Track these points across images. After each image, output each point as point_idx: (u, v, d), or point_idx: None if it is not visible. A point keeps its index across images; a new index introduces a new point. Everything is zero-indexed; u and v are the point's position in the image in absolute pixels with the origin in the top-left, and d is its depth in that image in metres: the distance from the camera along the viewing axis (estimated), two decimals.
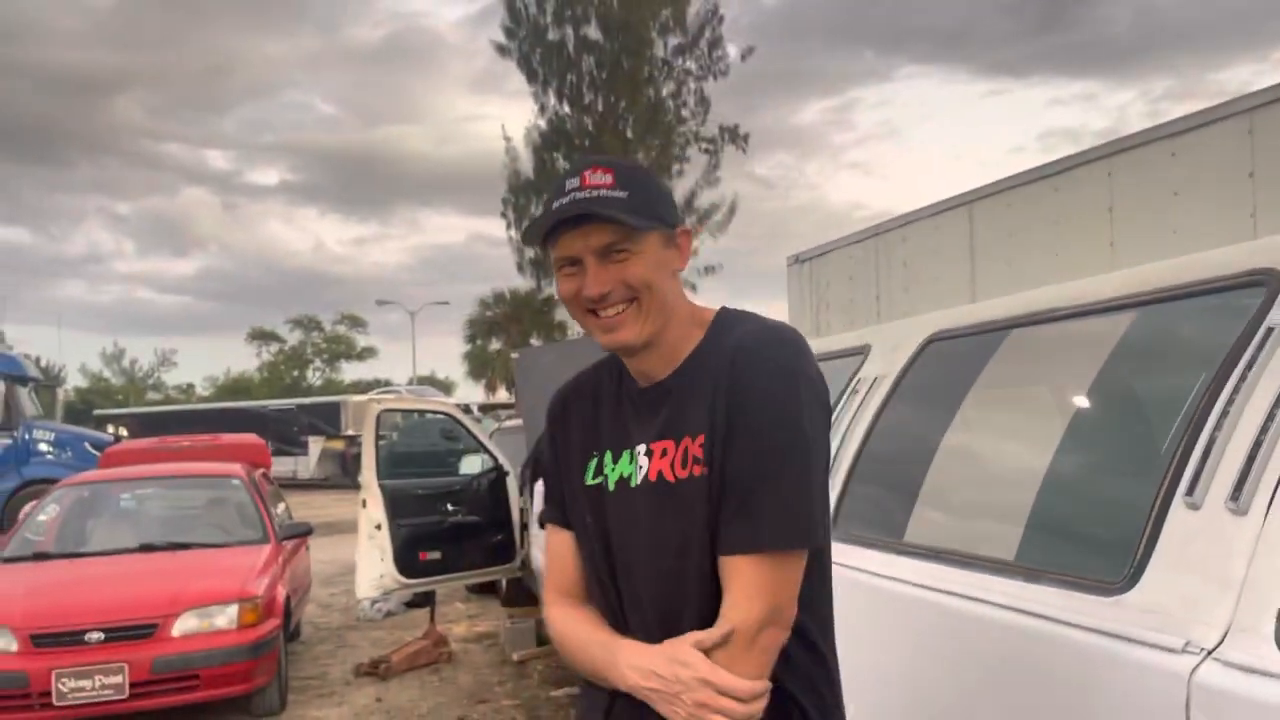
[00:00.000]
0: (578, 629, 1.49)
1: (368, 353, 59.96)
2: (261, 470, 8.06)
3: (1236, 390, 1.52)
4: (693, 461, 1.37)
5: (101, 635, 5.27)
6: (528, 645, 7.22)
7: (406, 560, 6.40)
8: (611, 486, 1.46)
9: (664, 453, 1.41)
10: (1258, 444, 1.43)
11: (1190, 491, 1.52)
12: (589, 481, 1.50)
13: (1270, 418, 1.44)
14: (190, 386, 64.84)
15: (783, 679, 1.34)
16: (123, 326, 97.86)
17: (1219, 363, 1.58)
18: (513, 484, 6.85)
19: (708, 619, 1.34)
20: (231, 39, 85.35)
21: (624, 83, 28.84)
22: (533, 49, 29.27)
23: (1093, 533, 1.84)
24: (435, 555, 6.56)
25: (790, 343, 1.40)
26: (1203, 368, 1.63)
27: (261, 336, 59.61)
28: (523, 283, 31.58)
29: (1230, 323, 1.62)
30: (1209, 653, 1.38)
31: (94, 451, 13.04)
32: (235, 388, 57.11)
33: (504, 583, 7.56)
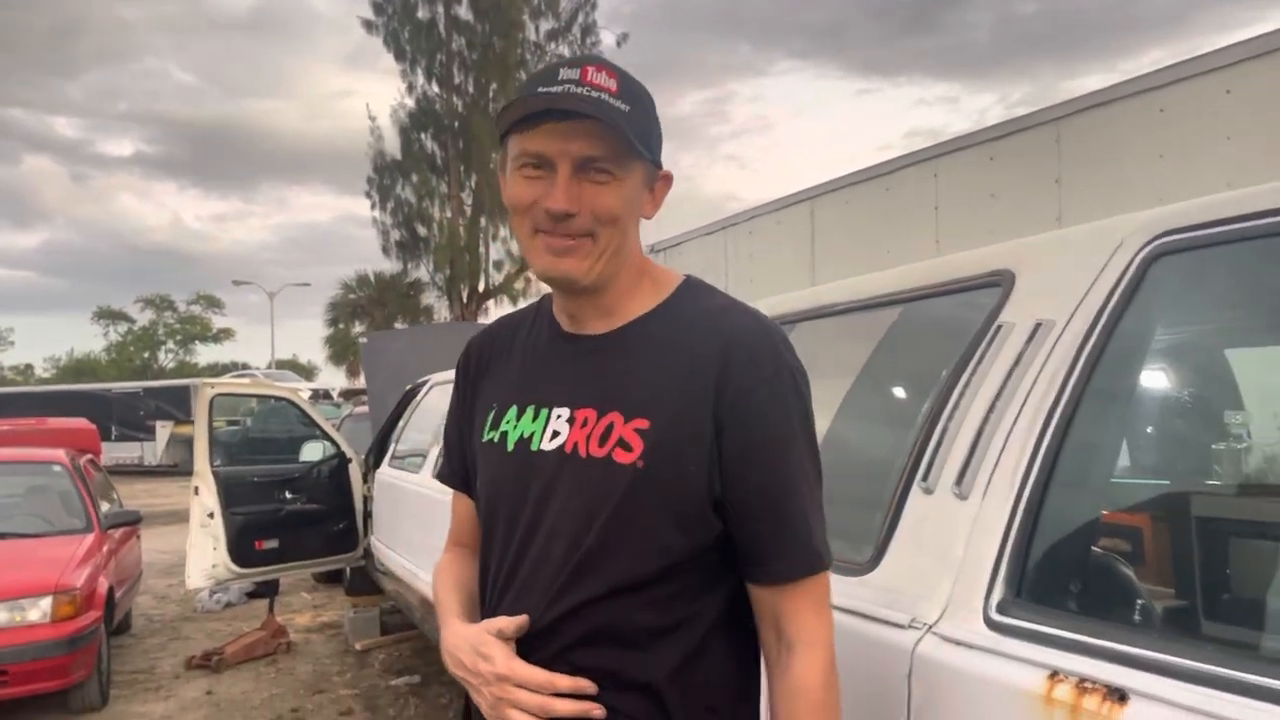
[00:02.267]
0: (438, 581, 1.42)
1: (224, 335, 57.54)
2: (89, 456, 7.67)
3: (968, 383, 1.63)
4: (617, 444, 1.19)
5: None
6: (371, 634, 7.12)
7: (241, 549, 6.21)
8: (510, 446, 1.27)
9: (585, 422, 1.22)
10: (980, 433, 1.54)
11: (925, 478, 1.62)
12: (484, 437, 1.32)
13: (991, 408, 1.55)
14: (29, 367, 60.97)
15: (663, 685, 1.21)
16: None
17: (958, 357, 1.69)
18: (356, 471, 6.72)
19: (569, 612, 1.21)
20: None
21: (495, 65, 28.51)
22: (402, 26, 28.62)
23: (852, 518, 1.95)
24: (272, 544, 6.38)
25: (778, 338, 1.24)
26: (947, 362, 1.74)
27: (109, 316, 56.47)
28: (389, 266, 30.92)
29: (972, 320, 1.74)
30: (930, 628, 1.48)
31: None
32: (79, 369, 54.05)
33: (348, 572, 7.41)
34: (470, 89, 29.15)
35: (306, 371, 47.40)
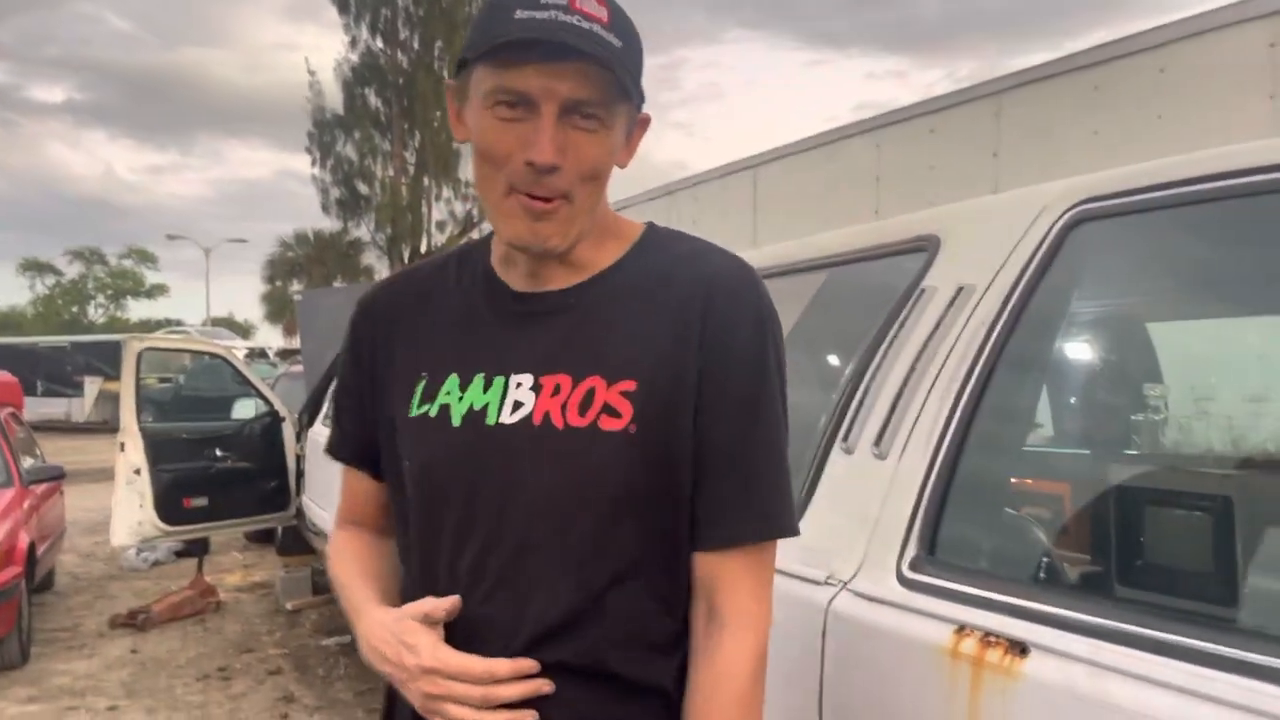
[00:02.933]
0: (342, 567, 1.24)
1: (157, 290, 56.18)
2: (10, 410, 7.45)
3: (891, 346, 1.65)
4: (603, 410, 1.05)
5: None
6: (303, 594, 7.05)
7: (169, 507, 6.09)
8: (457, 420, 1.09)
9: (556, 390, 1.07)
10: (899, 395, 1.56)
11: (846, 438, 1.64)
12: (414, 411, 1.13)
13: (911, 371, 1.57)
14: None
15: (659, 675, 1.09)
16: None
17: (881, 321, 1.71)
18: (289, 430, 6.63)
19: (576, 607, 1.05)
20: None
21: (442, 21, 27.99)
22: None
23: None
24: (201, 502, 6.28)
25: (758, 278, 1.13)
26: (872, 325, 1.76)
27: (35, 268, 54.65)
28: (328, 224, 30.37)
29: (897, 284, 1.76)
30: (845, 584, 1.50)
31: None
32: (3, 323, 52.38)
33: (280, 531, 7.33)
34: (416, 45, 28.62)
35: (243, 330, 46.42)
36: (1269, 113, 3.91)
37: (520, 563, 1.07)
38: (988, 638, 1.23)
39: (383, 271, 29.56)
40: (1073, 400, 2.15)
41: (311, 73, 29.44)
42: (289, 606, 6.91)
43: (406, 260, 28.54)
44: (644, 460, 1.04)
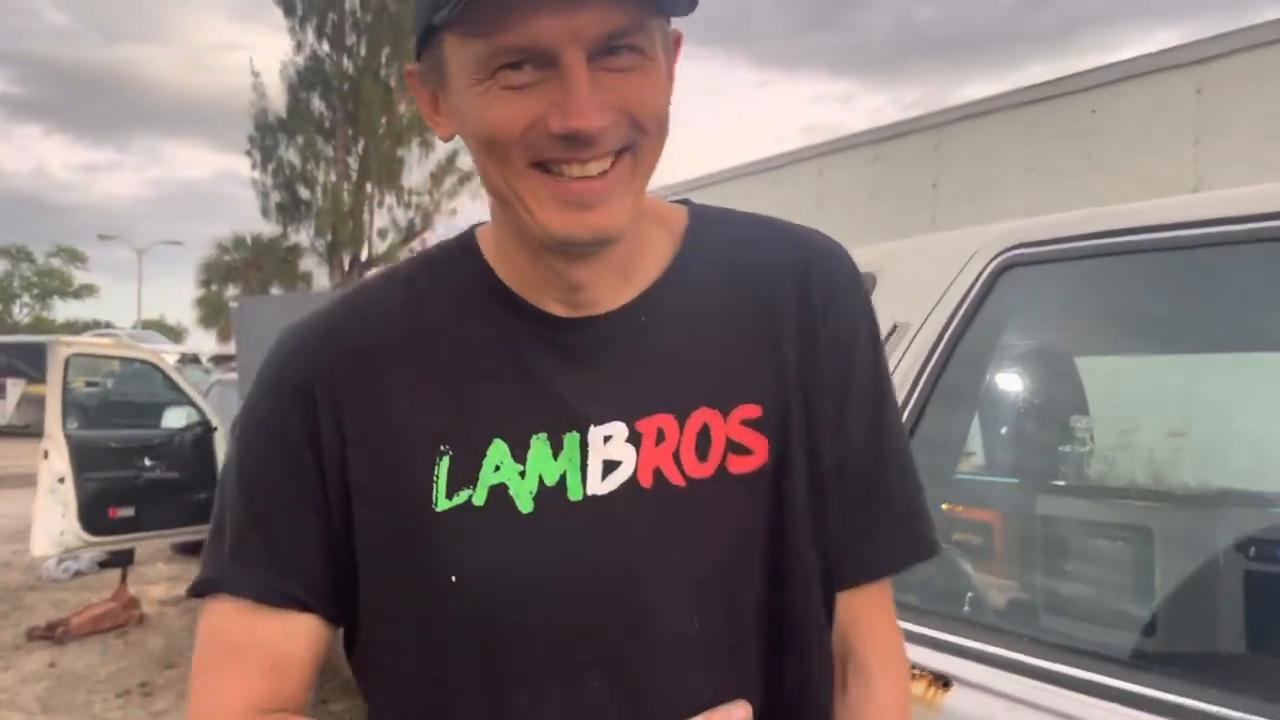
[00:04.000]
0: None
1: (86, 290, 54.80)
2: None
3: None
4: (728, 449, 0.80)
5: None
6: None
7: (94, 516, 5.94)
8: (525, 504, 0.78)
9: (660, 436, 0.80)
10: None
11: None
12: (442, 504, 0.79)
13: None
14: None
15: None
16: None
17: None
18: (220, 440, 6.51)
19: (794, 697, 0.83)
20: None
21: (389, 28, 27.75)
22: None
23: None
24: (128, 512, 6.13)
25: (847, 252, 0.91)
26: None
27: None
28: (267, 228, 29.88)
29: None
30: None
31: None
32: None
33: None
34: (362, 51, 28.32)
35: (175, 333, 45.42)
36: (1194, 157, 4.08)
37: (674, 685, 0.78)
38: (912, 670, 1.26)
39: (322, 278, 29.15)
40: (1004, 434, 2.21)
41: (256, 74, 29.08)
42: None
43: (346, 268, 28.20)
44: (790, 502, 0.82)
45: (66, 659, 5.93)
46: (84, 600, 7.13)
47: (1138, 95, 4.17)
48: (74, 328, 44.32)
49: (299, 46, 28.08)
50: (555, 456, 0.79)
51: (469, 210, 28.97)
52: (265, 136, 28.19)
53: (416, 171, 28.21)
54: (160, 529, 6.45)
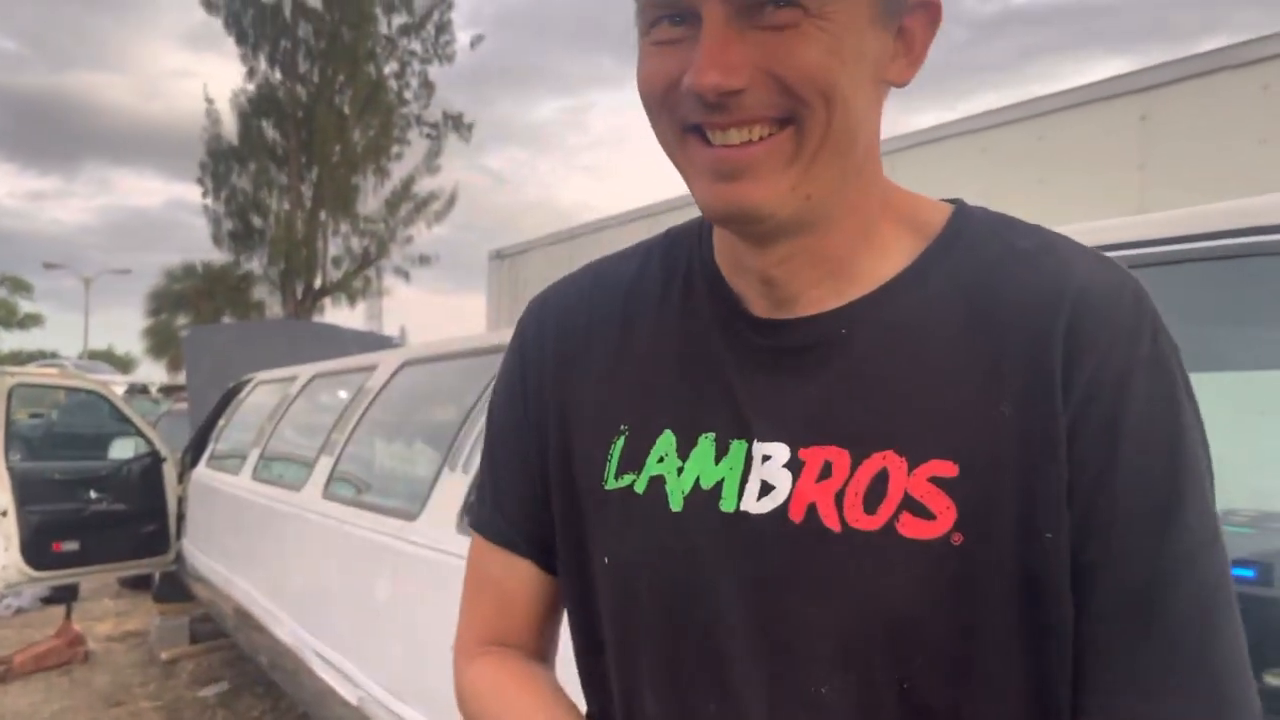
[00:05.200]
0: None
1: (31, 320, 53.54)
2: None
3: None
4: (903, 506, 0.67)
5: None
6: (179, 643, 6.74)
7: (37, 551, 5.78)
8: (676, 502, 0.74)
9: (825, 470, 0.69)
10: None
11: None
12: (611, 482, 0.77)
13: None
14: None
15: None
16: None
17: None
18: (170, 470, 6.37)
19: None
20: None
21: (343, 56, 27.68)
22: (245, 9, 27.43)
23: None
24: (73, 546, 5.96)
25: (1145, 291, 0.70)
26: None
27: None
28: (219, 256, 29.50)
29: None
30: None
31: None
32: None
33: (157, 577, 7.00)
34: (315, 79, 28.20)
35: (123, 363, 44.61)
36: (1139, 182, 4.18)
37: (766, 709, 0.70)
38: None
39: (275, 307, 28.77)
40: None
41: (209, 101, 28.78)
42: (164, 657, 6.59)
43: (300, 297, 27.88)
44: (977, 589, 0.66)
45: (8, 699, 5.75)
46: (27, 638, 6.92)
47: (1084, 122, 4.28)
48: (19, 358, 43.30)
49: (251, 74, 27.90)
50: (717, 461, 0.73)
51: (424, 237, 28.88)
52: (218, 164, 27.92)
53: (371, 199, 28.06)
54: (106, 563, 6.28)
